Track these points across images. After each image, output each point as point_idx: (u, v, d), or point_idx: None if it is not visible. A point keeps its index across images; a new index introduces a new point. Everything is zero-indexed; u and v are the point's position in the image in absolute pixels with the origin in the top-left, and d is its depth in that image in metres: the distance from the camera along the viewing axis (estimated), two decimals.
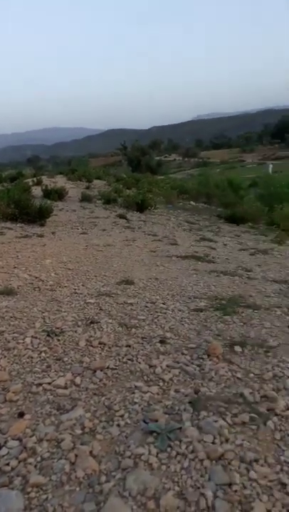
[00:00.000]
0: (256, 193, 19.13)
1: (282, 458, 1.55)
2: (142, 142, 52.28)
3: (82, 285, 4.15)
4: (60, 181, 19.86)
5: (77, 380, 2.19)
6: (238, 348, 2.55)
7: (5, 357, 2.44)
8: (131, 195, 13.89)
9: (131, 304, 3.56)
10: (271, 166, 41.49)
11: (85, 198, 13.77)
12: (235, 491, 1.39)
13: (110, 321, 3.08)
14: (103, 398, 2.00)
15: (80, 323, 3.02)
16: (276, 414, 1.82)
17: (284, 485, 1.42)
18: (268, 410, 1.85)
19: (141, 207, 12.48)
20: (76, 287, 4.06)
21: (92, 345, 2.62)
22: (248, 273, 5.19)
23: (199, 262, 5.86)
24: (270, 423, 1.75)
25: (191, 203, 16.94)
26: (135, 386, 2.10)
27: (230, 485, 1.41)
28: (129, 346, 2.61)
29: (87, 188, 18.18)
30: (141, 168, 38.14)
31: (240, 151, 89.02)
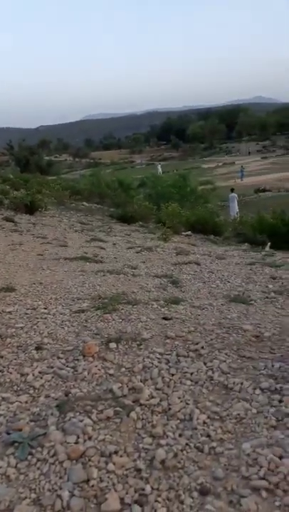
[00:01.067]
0: (145, 193, 19.87)
1: (140, 445, 1.64)
2: (30, 142, 50.22)
3: None
4: None
5: None
6: (113, 345, 2.61)
7: None
8: (19, 197, 13.23)
9: (9, 312, 3.40)
10: (160, 166, 43.57)
11: None
12: (92, 486, 1.42)
13: None
14: None
15: None
16: (140, 405, 1.91)
17: (139, 470, 1.50)
18: (133, 402, 1.94)
19: (30, 209, 11.96)
20: None
21: None
22: (133, 270, 5.35)
23: (87, 263, 5.85)
24: (132, 414, 1.83)
25: (84, 203, 16.82)
26: (2, 398, 2.02)
27: (87, 481, 1.45)
28: (1, 357, 2.50)
29: None
30: (30, 168, 36.61)
31: (129, 152, 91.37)
